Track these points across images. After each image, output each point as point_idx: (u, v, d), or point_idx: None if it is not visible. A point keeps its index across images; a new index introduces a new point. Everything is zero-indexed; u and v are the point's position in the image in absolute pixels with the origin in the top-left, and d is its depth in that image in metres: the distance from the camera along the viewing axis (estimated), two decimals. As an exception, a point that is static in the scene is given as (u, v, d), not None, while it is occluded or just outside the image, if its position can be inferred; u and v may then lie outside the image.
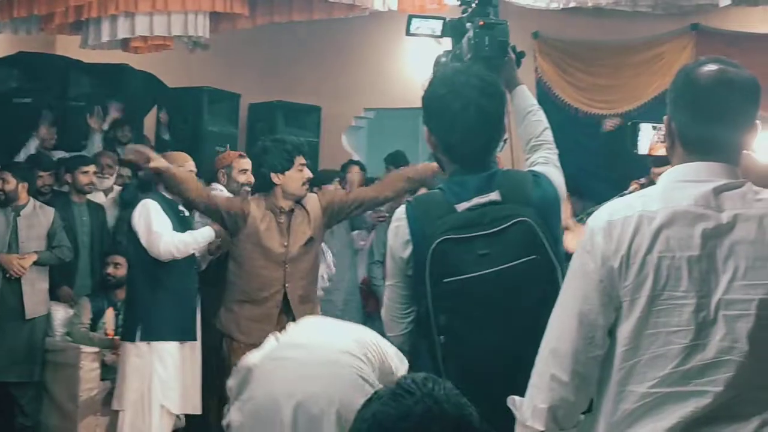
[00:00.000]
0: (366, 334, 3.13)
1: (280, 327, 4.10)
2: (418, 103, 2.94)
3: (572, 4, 8.07)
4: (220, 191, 6.11)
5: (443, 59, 3.41)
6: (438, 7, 7.16)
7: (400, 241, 2.85)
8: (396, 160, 8.32)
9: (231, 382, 3.14)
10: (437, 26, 3.46)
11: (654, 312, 2.13)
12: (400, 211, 2.87)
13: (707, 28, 8.96)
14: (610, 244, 2.17)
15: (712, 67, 2.25)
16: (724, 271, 2.12)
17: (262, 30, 8.58)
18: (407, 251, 2.83)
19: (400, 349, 3.01)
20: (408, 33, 3.53)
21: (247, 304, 5.27)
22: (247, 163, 6.19)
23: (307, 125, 9.59)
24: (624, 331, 2.16)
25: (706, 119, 2.23)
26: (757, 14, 8.73)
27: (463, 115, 2.80)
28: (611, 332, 2.19)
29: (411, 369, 3.01)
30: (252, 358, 3.11)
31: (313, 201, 5.36)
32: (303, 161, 5.27)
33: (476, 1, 3.27)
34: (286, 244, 5.23)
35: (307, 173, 5.29)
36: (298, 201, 5.30)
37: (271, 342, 3.15)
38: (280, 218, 5.24)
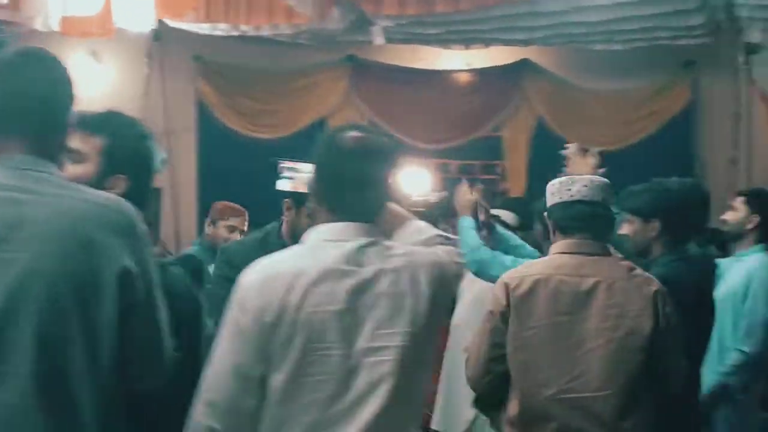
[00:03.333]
0: None
1: None
2: None
3: (234, 33, 8.24)
4: None
5: None
6: (103, 32, 7.03)
7: None
8: None
9: None
10: None
11: (305, 363, 2.28)
12: None
13: (362, 60, 9.44)
14: (262, 300, 2.29)
15: (351, 136, 2.44)
16: (367, 321, 2.32)
17: None
18: None
19: None
20: None
21: None
22: None
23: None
24: (277, 381, 2.28)
25: (346, 185, 2.42)
26: (408, 51, 9.32)
27: None
28: (264, 383, 2.30)
29: None
30: None
31: None
32: None
33: None
34: None
35: None
36: None
37: None
38: None
